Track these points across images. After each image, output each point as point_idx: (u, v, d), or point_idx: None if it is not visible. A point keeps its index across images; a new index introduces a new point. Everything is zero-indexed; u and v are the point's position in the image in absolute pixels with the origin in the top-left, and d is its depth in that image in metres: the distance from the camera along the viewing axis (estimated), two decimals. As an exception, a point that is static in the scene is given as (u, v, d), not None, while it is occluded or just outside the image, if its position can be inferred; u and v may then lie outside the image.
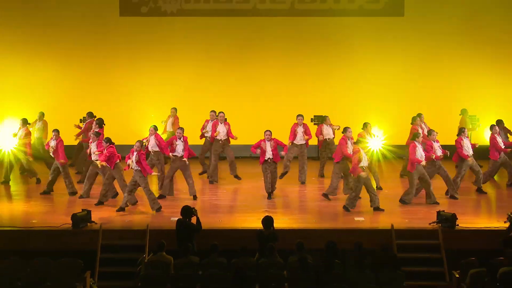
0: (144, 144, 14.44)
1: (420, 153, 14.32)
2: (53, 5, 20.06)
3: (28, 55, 20.11)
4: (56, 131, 15.46)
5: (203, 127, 16.89)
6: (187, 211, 12.04)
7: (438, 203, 14.33)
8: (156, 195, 14.64)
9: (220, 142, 16.56)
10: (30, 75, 20.13)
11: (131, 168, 13.91)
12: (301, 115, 16.50)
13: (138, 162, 13.86)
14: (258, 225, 12.11)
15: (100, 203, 14.46)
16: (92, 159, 14.87)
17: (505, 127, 17.14)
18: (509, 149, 16.05)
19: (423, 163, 14.21)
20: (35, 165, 16.99)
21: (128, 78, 20.25)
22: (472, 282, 10.52)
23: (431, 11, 19.97)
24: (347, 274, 10.58)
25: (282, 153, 15.36)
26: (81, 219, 12.82)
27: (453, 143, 15.59)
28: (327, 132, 16.98)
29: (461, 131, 15.37)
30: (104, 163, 14.30)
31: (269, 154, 15.08)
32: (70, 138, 17.61)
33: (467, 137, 15.54)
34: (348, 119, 19.08)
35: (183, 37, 20.22)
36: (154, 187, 15.55)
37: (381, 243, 11.67)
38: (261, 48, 20.27)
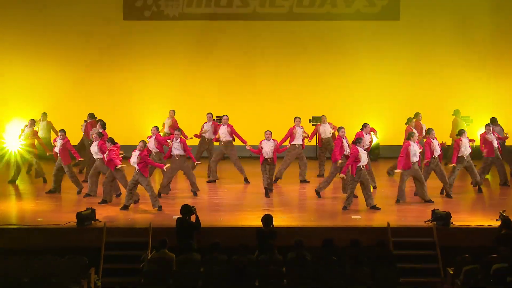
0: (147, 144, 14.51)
1: (414, 151, 14.33)
2: (58, 8, 20.06)
3: (32, 57, 20.12)
4: (63, 131, 15.46)
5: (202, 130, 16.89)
6: (187, 210, 12.05)
7: (432, 202, 14.37)
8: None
9: (222, 143, 16.59)
10: (34, 77, 20.13)
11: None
12: (299, 117, 16.50)
13: (143, 162, 13.87)
14: (258, 223, 12.13)
15: (104, 201, 14.48)
16: (94, 157, 14.95)
17: (498, 124, 17.16)
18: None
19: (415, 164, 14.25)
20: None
21: (131, 80, 20.27)
22: (466, 278, 10.54)
23: (425, 15, 20.00)
24: (344, 271, 10.61)
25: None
26: (86, 217, 12.85)
27: (447, 142, 15.59)
28: (323, 130, 17.01)
29: (461, 133, 15.33)
30: (122, 165, 14.26)
31: (268, 154, 15.13)
32: (73, 138, 17.70)
33: (467, 137, 15.45)
34: (346, 120, 19.08)
35: (184, 40, 20.22)
36: (156, 186, 15.57)
37: (378, 241, 11.68)
38: (261, 51, 20.29)
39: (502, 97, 19.94)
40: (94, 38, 20.12)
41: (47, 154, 16.38)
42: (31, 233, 12.66)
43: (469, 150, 15.23)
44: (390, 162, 17.32)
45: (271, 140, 15.22)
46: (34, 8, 20.03)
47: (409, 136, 14.67)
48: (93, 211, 13.05)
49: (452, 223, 12.75)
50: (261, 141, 15.25)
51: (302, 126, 16.47)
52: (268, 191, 15.34)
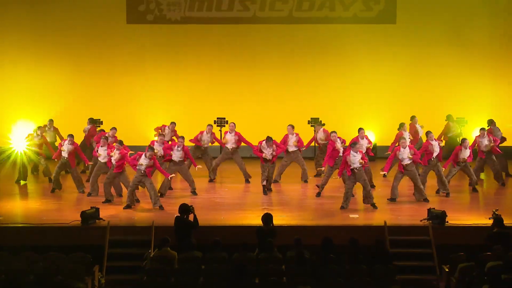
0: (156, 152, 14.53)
1: (402, 156, 14.34)
2: (62, 12, 20.04)
3: (37, 60, 20.10)
4: (71, 136, 15.45)
5: (196, 139, 16.75)
6: (185, 209, 12.06)
7: (427, 201, 14.38)
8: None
9: (229, 150, 16.58)
10: (39, 79, 20.11)
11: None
12: (291, 125, 16.40)
13: (149, 167, 13.98)
14: (258, 222, 12.14)
15: (108, 201, 14.48)
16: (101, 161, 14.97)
17: (496, 127, 17.14)
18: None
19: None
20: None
21: (134, 82, 20.26)
22: (461, 276, 10.55)
23: (421, 19, 20.01)
24: (342, 268, 10.61)
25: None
26: (90, 216, 12.86)
27: (442, 142, 15.60)
28: (320, 137, 16.98)
29: (462, 142, 15.30)
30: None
31: (268, 156, 15.28)
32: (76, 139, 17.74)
33: (466, 147, 15.42)
34: (344, 121, 19.19)
35: (186, 43, 20.24)
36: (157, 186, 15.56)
37: (375, 239, 11.68)
38: (261, 54, 20.28)
39: (498, 98, 19.93)
40: (97, 41, 20.12)
41: (52, 157, 16.32)
42: (37, 232, 12.66)
43: (466, 156, 15.19)
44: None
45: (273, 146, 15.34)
46: (39, 12, 20.01)
47: (399, 142, 14.78)
48: (97, 210, 13.06)
49: (447, 221, 12.76)
50: (260, 143, 15.30)
51: (296, 133, 16.36)
52: (265, 189, 15.39)
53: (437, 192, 15.28)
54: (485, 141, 15.93)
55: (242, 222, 13.08)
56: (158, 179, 16.34)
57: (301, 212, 14.04)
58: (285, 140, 16.28)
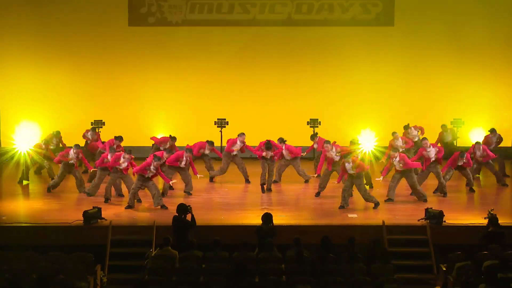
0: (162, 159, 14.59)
1: (396, 163, 14.40)
2: (65, 14, 20.06)
3: (40, 61, 20.10)
4: (78, 147, 15.50)
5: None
6: (183, 208, 12.05)
7: (426, 201, 14.39)
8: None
9: (235, 154, 16.59)
10: (42, 80, 20.12)
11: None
12: (281, 139, 16.33)
13: (156, 173, 14.11)
14: (258, 221, 12.12)
15: (107, 200, 14.53)
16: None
17: (495, 135, 17.14)
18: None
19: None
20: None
21: (136, 83, 20.27)
22: (458, 274, 10.54)
23: (419, 21, 20.01)
24: (340, 267, 10.60)
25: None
26: (92, 216, 12.84)
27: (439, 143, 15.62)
28: (317, 146, 16.99)
29: (461, 154, 15.34)
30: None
31: (268, 155, 15.41)
32: (81, 141, 17.80)
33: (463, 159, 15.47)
34: (342, 121, 19.18)
35: (187, 45, 20.26)
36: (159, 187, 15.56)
37: (373, 238, 11.67)
38: (261, 56, 20.29)
39: (496, 99, 19.94)
40: (99, 43, 20.14)
41: (54, 160, 16.30)
42: (40, 231, 12.65)
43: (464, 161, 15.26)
44: (385, 162, 17.26)
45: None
46: (41, 15, 20.02)
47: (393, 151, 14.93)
48: (99, 210, 13.05)
49: (444, 221, 12.75)
50: (261, 144, 15.38)
51: (287, 144, 16.29)
52: (263, 188, 15.47)
53: (435, 192, 15.28)
54: (478, 153, 16.07)
55: (242, 222, 13.07)
56: (160, 180, 16.32)
57: (300, 211, 14.03)
58: (280, 154, 16.27)
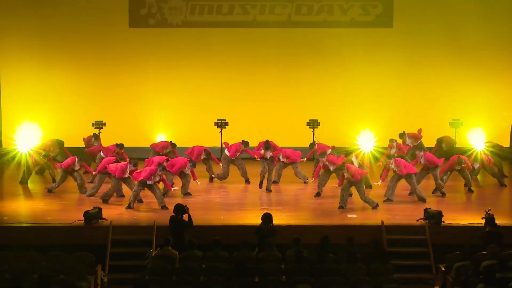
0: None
1: (392, 167, 14.51)
2: (66, 16, 20.00)
3: (42, 62, 20.03)
4: (81, 159, 15.54)
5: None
6: (180, 209, 12.03)
7: (425, 201, 14.38)
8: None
9: (234, 157, 16.59)
10: (44, 82, 20.05)
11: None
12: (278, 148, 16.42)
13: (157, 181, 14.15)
14: (258, 221, 12.11)
15: (105, 201, 14.51)
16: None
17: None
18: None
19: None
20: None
21: (136, 84, 20.23)
22: (457, 274, 10.53)
23: (417, 22, 19.99)
24: (340, 267, 10.58)
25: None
26: (93, 216, 12.82)
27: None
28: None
29: (459, 160, 15.39)
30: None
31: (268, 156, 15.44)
32: (80, 141, 17.81)
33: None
34: (342, 122, 19.17)
35: (187, 46, 20.22)
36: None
37: (372, 238, 11.66)
38: (260, 57, 20.24)
39: (494, 100, 19.92)
40: (100, 44, 20.11)
41: (56, 165, 16.27)
42: (40, 231, 12.63)
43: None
44: (385, 163, 17.24)
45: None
46: (43, 16, 19.97)
47: (387, 158, 15.00)
48: (100, 210, 13.03)
49: (443, 221, 12.73)
50: (260, 144, 15.38)
51: (284, 150, 16.30)
52: (261, 183, 15.63)
53: (434, 192, 15.27)
54: (476, 165, 16.17)
55: (242, 222, 13.06)
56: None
57: (300, 212, 14.03)
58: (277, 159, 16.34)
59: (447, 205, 14.27)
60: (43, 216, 13.48)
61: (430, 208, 12.99)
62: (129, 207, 14.04)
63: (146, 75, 20.19)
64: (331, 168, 14.97)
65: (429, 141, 18.04)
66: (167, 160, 15.23)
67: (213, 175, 16.74)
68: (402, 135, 17.66)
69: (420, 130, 17.85)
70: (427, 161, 15.01)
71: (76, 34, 20.04)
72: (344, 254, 10.95)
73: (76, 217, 12.95)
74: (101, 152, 16.83)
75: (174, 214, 12.03)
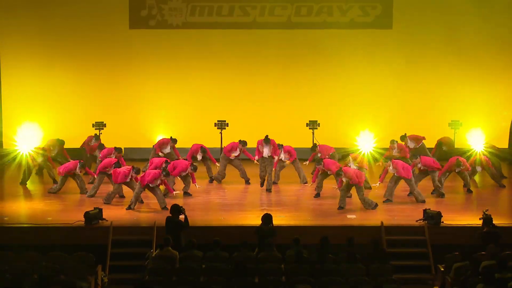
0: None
1: (391, 170, 14.57)
2: (67, 18, 19.96)
3: (42, 63, 20.00)
4: (83, 165, 15.54)
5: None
6: (176, 209, 12.02)
7: (424, 202, 14.39)
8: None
9: (233, 157, 16.60)
10: (45, 83, 20.02)
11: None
12: (281, 145, 16.41)
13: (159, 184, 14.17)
14: (258, 222, 12.10)
15: (106, 202, 14.52)
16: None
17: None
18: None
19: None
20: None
21: (136, 85, 20.20)
22: (456, 275, 10.52)
23: (417, 23, 19.97)
24: (339, 267, 10.58)
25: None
26: (93, 216, 12.82)
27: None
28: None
29: (458, 163, 15.40)
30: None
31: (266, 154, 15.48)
32: (79, 141, 17.77)
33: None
34: (341, 123, 19.16)
35: (187, 47, 20.21)
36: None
37: (372, 239, 11.66)
38: (260, 58, 20.24)
39: (492, 101, 19.90)
40: (101, 45, 20.09)
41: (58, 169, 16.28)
42: (41, 232, 12.63)
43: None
44: (384, 164, 17.25)
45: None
46: (43, 18, 19.94)
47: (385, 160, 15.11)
48: (100, 210, 13.03)
49: (442, 222, 12.73)
50: (258, 143, 15.38)
51: (285, 146, 16.34)
52: (263, 182, 15.67)
53: (433, 192, 15.27)
54: (478, 169, 16.21)
55: (242, 222, 13.06)
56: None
57: (299, 212, 14.03)
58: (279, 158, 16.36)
59: (446, 205, 14.27)
60: (44, 216, 13.48)
61: (429, 209, 13.00)
62: (129, 208, 14.04)
63: (146, 76, 20.18)
64: (329, 173, 14.99)
65: (429, 141, 18.05)
66: (166, 161, 15.21)
67: (212, 177, 16.75)
68: (403, 138, 17.61)
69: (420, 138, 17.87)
70: (425, 166, 15.02)
71: (76, 35, 20.03)
72: (343, 255, 10.95)
73: (76, 217, 12.95)
74: (97, 151, 16.81)
75: (170, 215, 12.02)
